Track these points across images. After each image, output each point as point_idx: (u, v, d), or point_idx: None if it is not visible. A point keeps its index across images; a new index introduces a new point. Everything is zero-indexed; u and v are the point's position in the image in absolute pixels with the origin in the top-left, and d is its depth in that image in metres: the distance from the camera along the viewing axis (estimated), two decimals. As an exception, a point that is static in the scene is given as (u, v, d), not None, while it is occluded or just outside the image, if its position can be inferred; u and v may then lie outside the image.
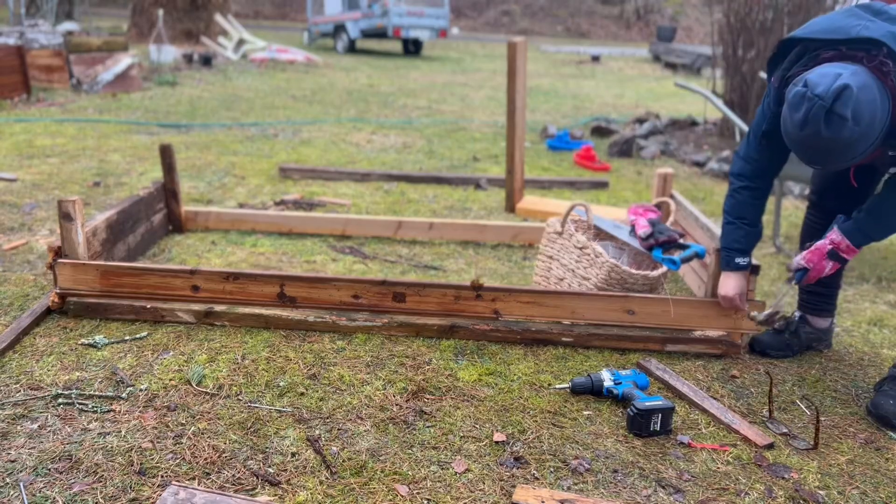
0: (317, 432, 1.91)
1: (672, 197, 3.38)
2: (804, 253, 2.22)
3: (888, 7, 2.00)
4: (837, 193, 2.41)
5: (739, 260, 2.33)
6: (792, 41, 2.11)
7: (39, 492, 1.63)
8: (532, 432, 1.96)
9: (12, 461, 1.73)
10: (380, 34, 15.88)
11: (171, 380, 2.14)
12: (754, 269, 2.42)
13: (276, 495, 1.66)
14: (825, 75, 1.84)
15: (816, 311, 2.54)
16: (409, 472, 1.77)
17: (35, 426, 1.87)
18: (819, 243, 2.18)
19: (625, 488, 1.75)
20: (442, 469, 1.79)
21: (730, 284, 2.35)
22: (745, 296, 2.37)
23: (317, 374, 2.21)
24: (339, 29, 16.55)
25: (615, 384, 2.13)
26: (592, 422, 2.04)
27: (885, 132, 1.88)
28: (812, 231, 2.51)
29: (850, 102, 1.79)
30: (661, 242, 2.63)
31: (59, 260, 2.50)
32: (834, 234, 2.15)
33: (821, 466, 1.89)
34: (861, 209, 2.12)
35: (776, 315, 2.39)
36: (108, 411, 1.96)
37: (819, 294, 2.54)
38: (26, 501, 1.59)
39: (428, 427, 1.96)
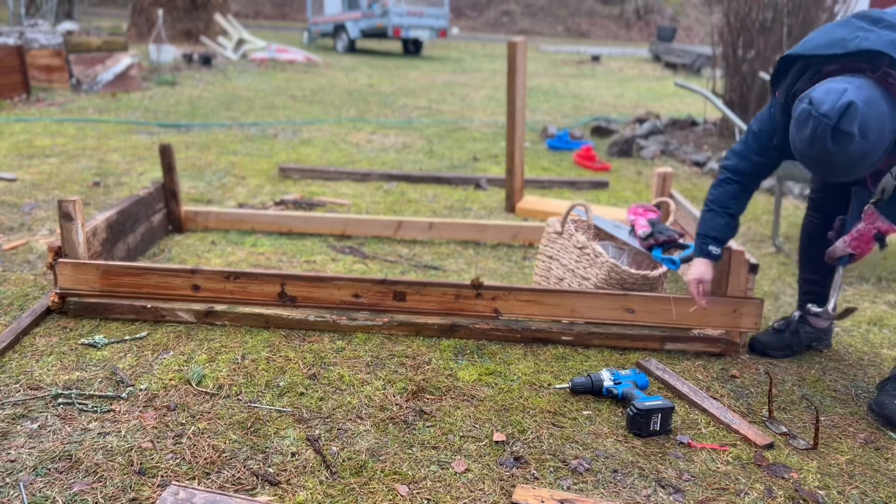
0: (317, 432, 1.91)
1: (671, 196, 3.38)
2: (846, 239, 2.19)
3: (886, 13, 2.00)
4: (839, 194, 2.42)
5: (713, 248, 2.34)
6: (792, 58, 2.10)
7: (39, 491, 1.63)
8: (532, 432, 1.96)
9: (12, 461, 1.73)
10: (380, 34, 15.89)
11: (171, 380, 2.14)
12: (753, 268, 2.43)
13: (276, 495, 1.66)
14: (830, 91, 1.84)
15: (819, 298, 2.53)
16: (409, 472, 1.77)
17: (35, 426, 1.87)
18: (861, 228, 2.16)
19: (624, 488, 1.75)
20: (442, 469, 1.79)
21: (695, 270, 2.35)
22: (708, 285, 2.35)
23: (317, 374, 2.21)
24: (339, 29, 16.55)
25: (615, 384, 2.13)
26: (592, 422, 2.04)
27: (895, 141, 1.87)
28: (813, 230, 2.52)
29: (856, 119, 1.79)
30: (661, 242, 2.63)
31: (60, 260, 2.50)
32: (879, 222, 2.13)
33: (821, 466, 1.89)
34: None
35: (850, 309, 2.33)
36: (108, 411, 1.96)
37: (817, 293, 2.56)
38: (26, 501, 1.59)
39: (428, 427, 1.96)
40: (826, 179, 1.98)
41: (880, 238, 2.17)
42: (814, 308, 2.33)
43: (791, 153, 2.07)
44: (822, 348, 2.57)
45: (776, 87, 2.21)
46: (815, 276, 2.57)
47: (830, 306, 2.29)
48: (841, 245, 2.22)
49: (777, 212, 3.72)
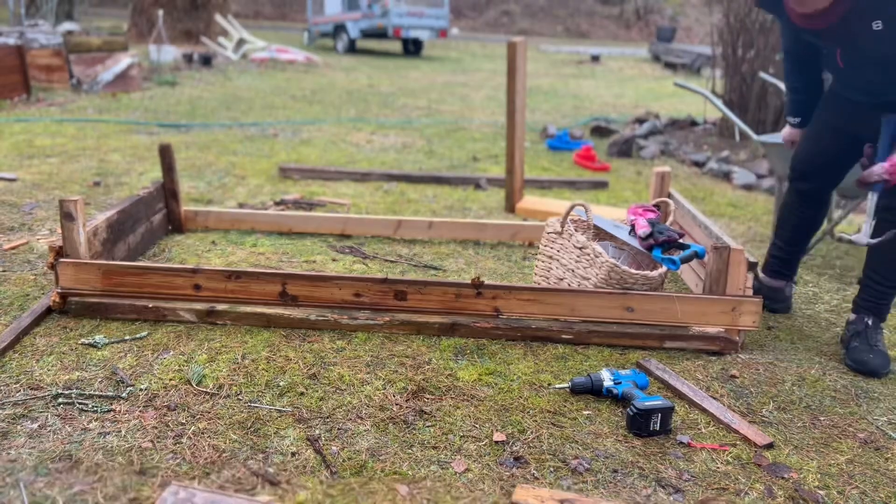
0: (317, 432, 1.91)
1: (670, 196, 3.38)
2: (885, 165, 2.19)
3: None
4: (816, 172, 2.65)
5: (790, 119, 2.80)
6: None
7: (39, 491, 1.63)
8: (532, 432, 1.96)
9: (12, 461, 1.73)
10: (380, 34, 15.89)
11: (171, 379, 2.14)
12: (752, 267, 2.46)
13: (276, 495, 1.66)
14: None
15: (775, 273, 2.78)
16: (409, 472, 1.77)
17: (35, 426, 1.88)
18: None
19: (624, 488, 1.75)
20: (442, 469, 1.79)
21: (784, 132, 2.90)
22: (792, 144, 2.86)
23: (317, 374, 2.21)
24: (339, 29, 16.56)
25: (615, 384, 2.13)
26: (592, 421, 2.04)
27: None
28: (790, 212, 2.77)
29: None
30: (661, 242, 2.63)
31: (61, 259, 2.50)
32: None
33: (821, 466, 1.89)
34: None
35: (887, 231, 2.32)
36: (108, 411, 1.96)
37: (781, 259, 2.80)
38: (26, 501, 1.60)
39: (428, 427, 1.97)
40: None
41: None
42: (846, 236, 2.33)
43: (803, 45, 2.49)
44: (779, 309, 2.77)
45: None
46: (791, 247, 2.80)
47: (864, 231, 2.28)
48: (878, 170, 2.19)
49: (777, 212, 3.72)
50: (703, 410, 2.11)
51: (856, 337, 2.43)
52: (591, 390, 2.14)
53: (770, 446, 1.95)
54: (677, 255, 2.57)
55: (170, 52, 11.02)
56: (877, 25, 2.03)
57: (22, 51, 7.22)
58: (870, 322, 2.45)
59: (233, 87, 9.32)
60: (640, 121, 7.48)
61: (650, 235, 2.66)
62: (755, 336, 2.65)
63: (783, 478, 1.83)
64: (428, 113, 8.06)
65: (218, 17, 13.99)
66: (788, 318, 2.85)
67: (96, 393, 2.04)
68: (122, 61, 8.41)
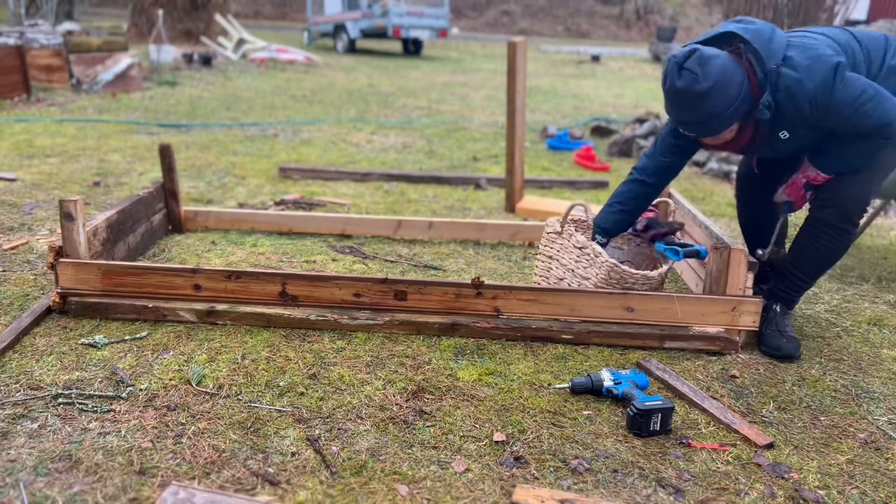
0: (317, 432, 1.91)
1: (670, 196, 3.38)
2: (784, 188, 2.50)
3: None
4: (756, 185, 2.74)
5: (598, 237, 2.65)
6: None
7: (39, 491, 1.63)
8: (532, 432, 1.96)
9: (12, 461, 1.73)
10: (380, 34, 15.90)
11: (171, 380, 2.14)
12: (752, 267, 2.46)
13: (276, 495, 1.66)
14: (685, 47, 2.28)
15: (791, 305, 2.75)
16: (409, 472, 1.77)
17: (35, 426, 1.88)
18: (795, 177, 2.45)
19: (625, 488, 1.75)
20: (442, 469, 1.79)
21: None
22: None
23: (317, 374, 2.21)
24: (339, 29, 16.56)
25: (615, 384, 2.13)
26: (592, 421, 2.04)
27: (746, 103, 2.21)
28: (747, 178, 2.81)
29: (697, 59, 2.16)
30: (662, 234, 2.67)
31: (61, 259, 2.50)
32: (809, 171, 2.40)
33: (821, 466, 1.89)
34: (828, 146, 2.35)
35: (779, 252, 2.57)
36: (108, 411, 1.96)
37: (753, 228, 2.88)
38: (26, 501, 1.59)
39: (428, 427, 1.96)
40: (685, 128, 2.30)
41: (810, 187, 2.42)
42: (758, 252, 2.58)
43: (681, 139, 2.46)
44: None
45: None
46: (753, 221, 2.86)
47: (763, 251, 2.57)
48: (780, 192, 2.51)
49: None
50: (704, 410, 2.11)
51: (767, 325, 2.53)
52: (591, 390, 2.14)
53: (770, 446, 1.95)
54: (680, 247, 2.60)
55: (170, 52, 11.02)
56: (784, 135, 2.32)
57: (22, 51, 7.22)
58: (777, 309, 2.55)
59: (233, 87, 9.32)
60: (641, 121, 7.47)
61: (649, 227, 2.69)
62: (755, 336, 2.65)
63: (783, 478, 1.83)
64: (428, 113, 8.06)
65: (218, 17, 13.99)
66: (788, 318, 2.84)
67: (96, 393, 2.04)
68: (122, 61, 8.41)
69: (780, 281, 2.59)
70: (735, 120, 2.24)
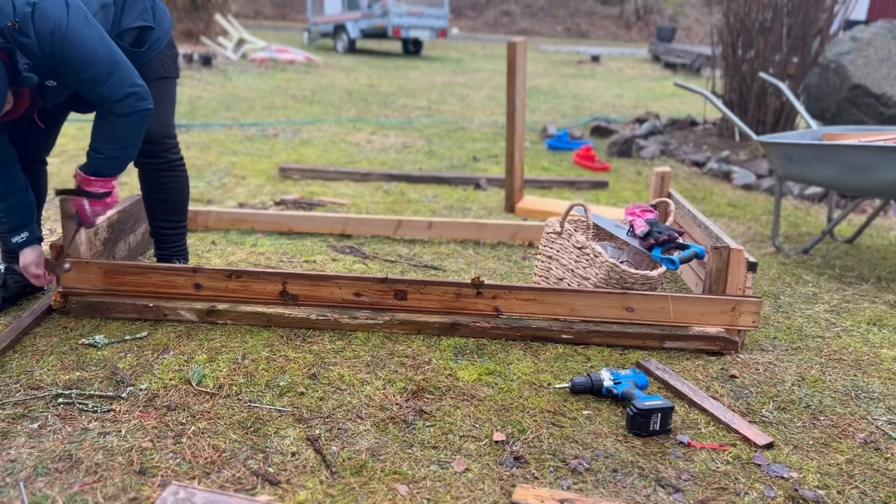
0: (317, 432, 1.91)
1: (670, 196, 3.38)
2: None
3: None
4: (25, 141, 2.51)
5: (16, 238, 2.37)
6: None
7: (39, 491, 1.63)
8: (532, 432, 1.96)
9: (12, 461, 1.73)
10: (380, 34, 15.89)
11: (171, 379, 2.14)
12: (752, 267, 2.45)
13: (276, 495, 1.66)
14: None
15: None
16: (409, 472, 1.77)
17: (35, 426, 1.88)
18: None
19: (624, 488, 1.75)
20: (442, 468, 1.79)
21: (28, 259, 2.40)
22: (41, 264, 2.41)
23: (317, 374, 2.21)
24: (339, 29, 16.55)
25: (615, 384, 2.13)
26: (592, 421, 2.04)
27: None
28: None
29: None
30: (661, 242, 2.63)
31: (63, 259, 2.49)
32: (78, 176, 2.31)
33: (820, 466, 1.89)
34: (92, 145, 2.27)
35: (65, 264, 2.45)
36: (108, 411, 1.96)
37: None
38: (26, 501, 1.60)
39: (428, 427, 1.97)
40: None
41: (96, 195, 2.33)
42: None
43: None
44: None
45: None
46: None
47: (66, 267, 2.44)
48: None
49: (777, 212, 3.72)
50: (703, 410, 2.11)
51: None
52: (591, 390, 2.14)
53: (770, 446, 1.95)
54: (677, 255, 2.57)
55: (170, 52, 10.99)
56: (50, 83, 2.18)
57: (22, 51, 7.21)
58: None
59: (233, 87, 9.32)
60: (640, 121, 7.48)
61: (649, 234, 2.66)
62: (755, 336, 2.65)
63: (783, 478, 1.83)
64: (428, 113, 8.06)
65: (218, 17, 13.99)
66: (788, 317, 2.85)
67: (96, 393, 2.04)
68: (122, 61, 8.39)
69: None
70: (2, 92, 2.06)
